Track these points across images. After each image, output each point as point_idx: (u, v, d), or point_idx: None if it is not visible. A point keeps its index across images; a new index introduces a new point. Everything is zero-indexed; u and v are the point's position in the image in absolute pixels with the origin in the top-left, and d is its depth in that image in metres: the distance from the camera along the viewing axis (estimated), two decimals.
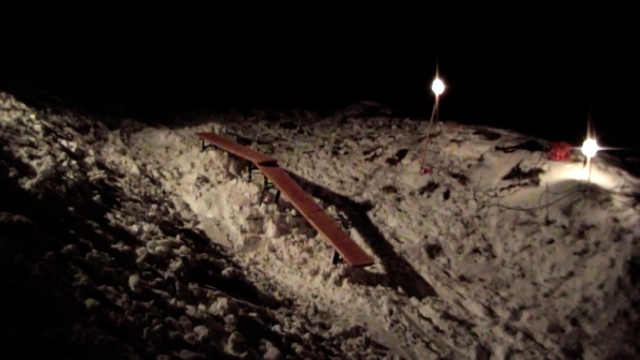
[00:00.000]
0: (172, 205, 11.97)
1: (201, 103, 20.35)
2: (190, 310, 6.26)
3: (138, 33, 21.89)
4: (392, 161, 14.72)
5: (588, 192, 11.44)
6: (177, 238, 8.98)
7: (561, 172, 12.73)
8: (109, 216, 8.51)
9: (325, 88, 20.99)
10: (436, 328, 8.82)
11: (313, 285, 10.09)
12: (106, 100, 18.77)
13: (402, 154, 14.94)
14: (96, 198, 8.85)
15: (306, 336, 7.57)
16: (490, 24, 24.10)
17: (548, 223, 11.20)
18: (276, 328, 7.34)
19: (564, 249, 10.45)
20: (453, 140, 15.23)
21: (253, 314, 7.18)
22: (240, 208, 12.28)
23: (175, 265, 7.46)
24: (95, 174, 10.54)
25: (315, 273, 10.35)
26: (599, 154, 12.59)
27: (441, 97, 14.45)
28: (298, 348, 6.93)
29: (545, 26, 23.38)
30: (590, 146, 11.98)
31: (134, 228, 8.36)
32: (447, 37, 21.78)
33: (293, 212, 12.08)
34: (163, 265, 7.39)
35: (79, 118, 15.50)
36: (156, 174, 13.57)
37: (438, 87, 14.38)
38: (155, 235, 8.56)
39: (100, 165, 11.97)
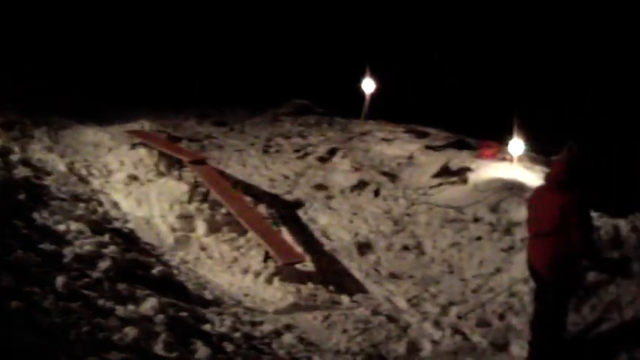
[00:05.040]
0: (101, 204, 11.77)
1: (132, 99, 20.05)
2: (120, 310, 6.20)
3: (67, 27, 21.52)
4: (323, 159, 14.74)
5: (515, 190, 11.66)
6: (106, 237, 8.87)
7: (489, 171, 12.95)
8: (36, 215, 8.37)
9: (257, 86, 20.89)
10: (366, 325, 8.87)
11: (244, 283, 10.07)
12: (32, 95, 18.35)
13: (332, 152, 14.98)
14: (21, 197, 8.69)
15: (238, 335, 7.56)
16: (418, 23, 24.31)
17: (476, 220, 11.37)
18: (207, 327, 7.32)
19: (492, 246, 10.62)
20: (383, 139, 15.35)
21: (184, 314, 7.15)
22: (171, 206, 12.17)
23: (104, 264, 7.38)
24: (20, 172, 10.36)
25: (245, 271, 10.34)
26: (526, 152, 12.86)
27: (372, 95, 14.59)
28: (229, 347, 6.91)
29: (471, 25, 23.68)
30: (517, 145, 12.22)
31: (61, 227, 8.24)
32: (377, 36, 21.99)
33: (223, 211, 12.03)
34: (92, 265, 7.30)
35: (3, 114, 15.14)
36: (84, 172, 13.34)
37: (369, 86, 14.51)
38: (83, 234, 8.45)
39: (26, 163, 11.74)
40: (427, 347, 8.36)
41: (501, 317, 9.07)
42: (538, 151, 13.66)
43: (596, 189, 12.13)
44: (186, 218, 11.83)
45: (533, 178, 12.10)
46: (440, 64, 22.67)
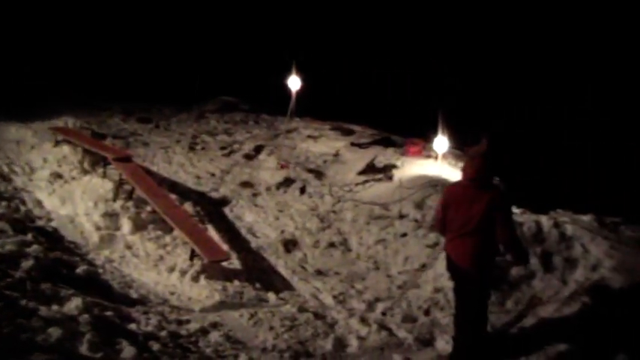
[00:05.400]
0: (24, 202, 11.56)
1: (55, 95, 19.69)
2: (43, 310, 6.10)
3: None
4: (249, 157, 14.75)
5: (440, 187, 11.82)
6: (29, 236, 8.72)
7: (414, 168, 13.13)
8: None
9: (182, 83, 20.75)
10: (293, 322, 8.89)
11: (170, 282, 9.99)
12: None
13: (258, 149, 15.00)
14: None
15: (164, 333, 7.51)
16: (344, 22, 24.48)
17: (401, 217, 11.50)
18: (133, 326, 7.25)
19: (417, 242, 10.76)
20: (309, 136, 15.43)
21: (109, 313, 7.07)
22: (95, 204, 12.00)
23: (27, 264, 7.26)
24: None
25: (172, 270, 10.26)
26: (450, 150, 13.05)
27: (298, 93, 14.61)
28: (155, 346, 6.87)
29: (394, 25, 23.94)
30: (442, 142, 12.39)
31: None
32: (304, 34, 22.05)
33: (149, 208, 11.92)
34: (14, 265, 7.17)
35: None
36: (6, 169, 13.07)
37: (295, 83, 14.52)
38: (5, 233, 8.31)
39: None
40: (354, 343, 8.41)
41: (426, 312, 9.19)
42: (462, 149, 13.85)
43: (519, 185, 12.48)
44: (111, 216, 11.67)
45: (457, 174, 12.27)
46: (368, 62, 22.83)
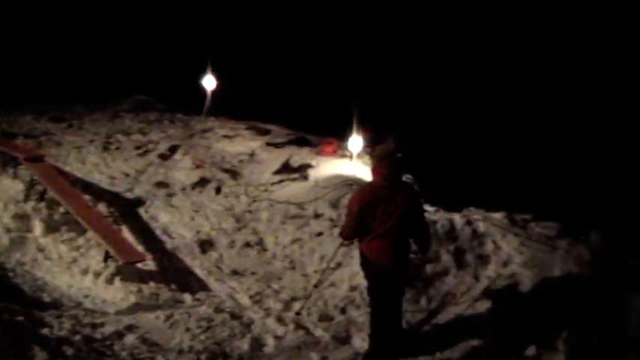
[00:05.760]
0: None
1: None
2: None
3: None
4: (164, 157, 14.61)
5: (355, 186, 11.94)
6: None
7: (329, 167, 13.23)
8: None
9: (95, 81, 20.41)
10: (210, 322, 8.89)
11: (84, 284, 9.88)
12: None
13: (173, 149, 14.88)
14: None
15: (78, 338, 7.43)
16: (258, 21, 24.48)
17: (317, 216, 11.58)
18: (45, 331, 7.15)
19: (332, 241, 10.82)
20: (224, 136, 15.38)
21: (20, 318, 6.97)
22: (5, 206, 11.77)
23: None
24: None
25: (85, 272, 10.15)
26: (365, 149, 13.20)
27: (213, 92, 14.58)
28: (69, 350, 6.79)
29: (308, 23, 24.05)
30: (356, 142, 12.53)
31: None
32: (218, 32, 21.96)
33: (62, 210, 11.74)
34: None
35: None
36: None
37: (210, 82, 14.49)
38: None
39: None
40: (271, 343, 8.45)
41: (343, 311, 9.29)
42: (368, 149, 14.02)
43: (431, 184, 12.69)
44: (22, 218, 11.47)
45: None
46: (283, 61, 22.87)
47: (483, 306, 8.91)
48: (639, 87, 18.74)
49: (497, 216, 10.91)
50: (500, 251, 9.90)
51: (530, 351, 8.06)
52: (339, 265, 10.16)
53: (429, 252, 8.15)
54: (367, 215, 7.38)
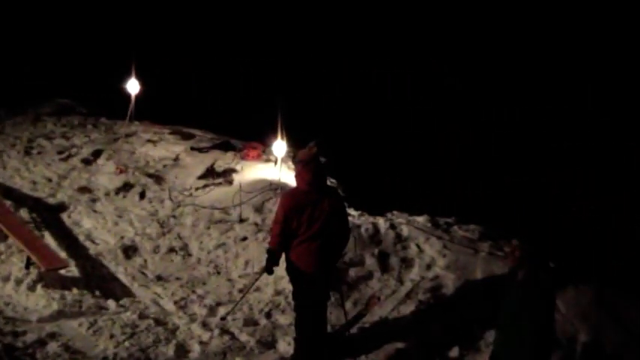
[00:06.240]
0: None
1: None
2: None
3: None
4: (87, 161, 14.45)
5: (279, 190, 12.04)
6: None
7: (254, 172, 13.31)
8: None
9: (16, 83, 20.00)
10: (134, 329, 8.86)
11: (5, 292, 9.68)
12: None
13: (97, 153, 14.72)
14: None
15: None
16: (182, 23, 24.38)
17: (241, 221, 11.64)
18: None
19: (257, 245, 10.92)
20: (148, 140, 15.30)
21: None
22: None
23: None
24: None
25: (6, 279, 9.95)
26: (289, 154, 13.30)
27: (137, 96, 14.48)
28: None
29: (233, 26, 24.07)
30: (280, 147, 12.62)
31: None
32: (142, 35, 21.79)
33: None
34: None
35: None
36: None
37: (134, 86, 14.39)
38: None
39: None
40: (196, 348, 8.49)
41: (268, 315, 9.38)
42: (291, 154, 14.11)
43: (355, 188, 12.86)
44: None
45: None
46: (206, 65, 22.84)
47: (407, 308, 9.11)
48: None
49: (421, 219, 11.16)
50: (423, 254, 10.13)
51: (454, 352, 8.30)
52: (263, 269, 10.24)
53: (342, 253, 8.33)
54: (293, 221, 7.47)
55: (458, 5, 24.87)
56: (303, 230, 7.48)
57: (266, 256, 7.92)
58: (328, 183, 8.77)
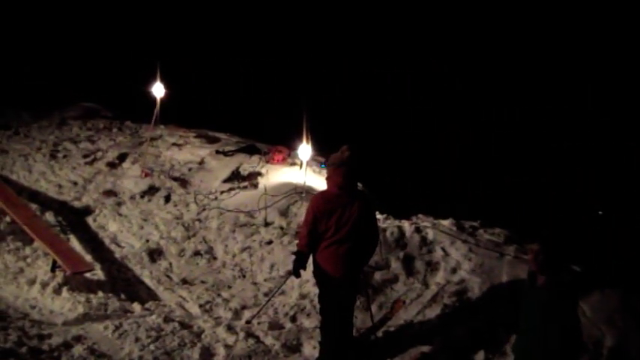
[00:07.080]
0: None
1: None
2: None
3: None
4: (112, 165, 14.48)
5: (304, 194, 12.00)
6: None
7: (279, 175, 13.27)
8: None
9: (42, 87, 20.13)
10: (159, 332, 8.84)
11: (30, 295, 9.72)
12: None
13: (122, 157, 14.75)
14: None
15: (24, 350, 7.35)
16: (208, 28, 24.42)
17: (266, 224, 11.61)
18: None
19: (282, 249, 10.90)
20: (174, 144, 15.31)
21: None
22: None
23: None
24: None
25: (32, 282, 9.98)
26: (314, 157, 13.26)
27: (162, 100, 14.47)
28: None
29: (260, 32, 24.08)
30: (306, 150, 12.57)
31: None
32: (168, 39, 21.85)
33: (8, 219, 11.55)
34: None
35: None
36: None
37: (159, 90, 14.38)
38: None
39: None
40: (221, 352, 8.45)
41: (293, 319, 9.34)
42: (324, 157, 14.06)
43: (382, 191, 12.79)
44: None
45: (321, 182, 12.46)
46: (233, 69, 22.87)
47: (433, 312, 9.03)
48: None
49: (446, 223, 11.05)
50: (449, 258, 10.03)
51: (479, 356, 8.19)
52: (288, 273, 10.20)
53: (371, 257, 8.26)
54: (321, 223, 7.45)
55: (458, 5, 24.74)
56: (332, 233, 7.45)
57: (293, 257, 7.88)
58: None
